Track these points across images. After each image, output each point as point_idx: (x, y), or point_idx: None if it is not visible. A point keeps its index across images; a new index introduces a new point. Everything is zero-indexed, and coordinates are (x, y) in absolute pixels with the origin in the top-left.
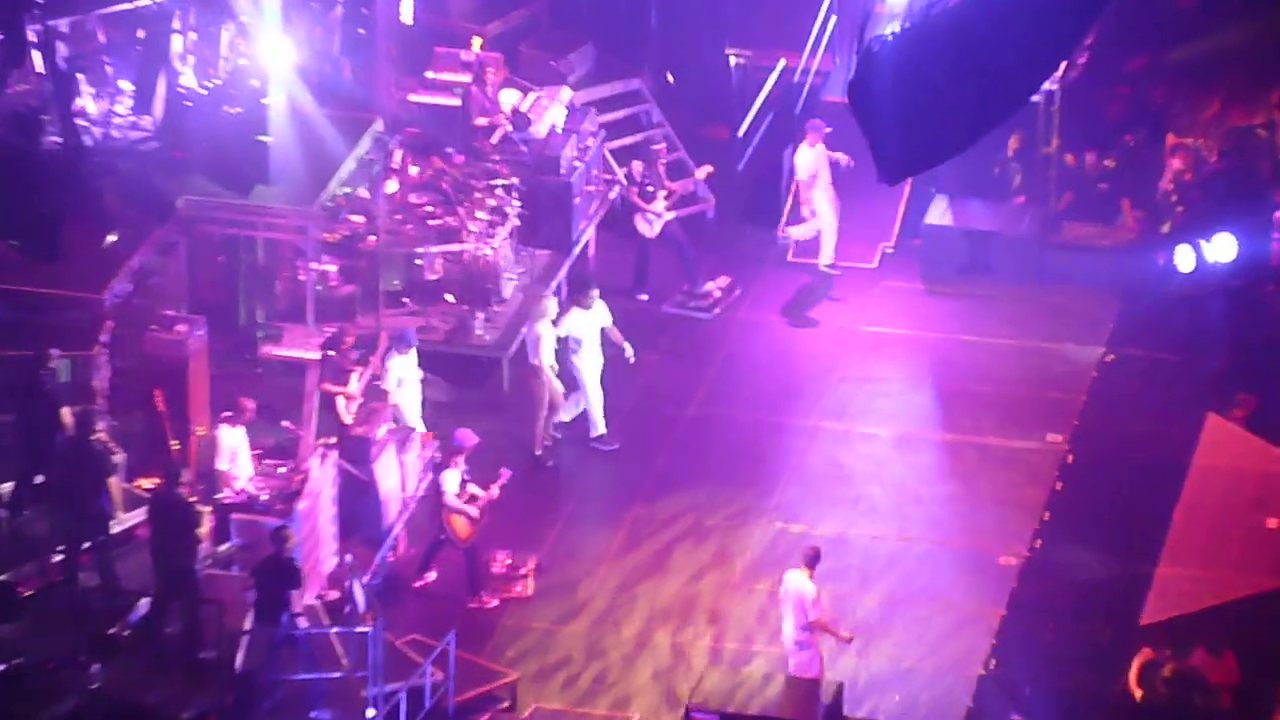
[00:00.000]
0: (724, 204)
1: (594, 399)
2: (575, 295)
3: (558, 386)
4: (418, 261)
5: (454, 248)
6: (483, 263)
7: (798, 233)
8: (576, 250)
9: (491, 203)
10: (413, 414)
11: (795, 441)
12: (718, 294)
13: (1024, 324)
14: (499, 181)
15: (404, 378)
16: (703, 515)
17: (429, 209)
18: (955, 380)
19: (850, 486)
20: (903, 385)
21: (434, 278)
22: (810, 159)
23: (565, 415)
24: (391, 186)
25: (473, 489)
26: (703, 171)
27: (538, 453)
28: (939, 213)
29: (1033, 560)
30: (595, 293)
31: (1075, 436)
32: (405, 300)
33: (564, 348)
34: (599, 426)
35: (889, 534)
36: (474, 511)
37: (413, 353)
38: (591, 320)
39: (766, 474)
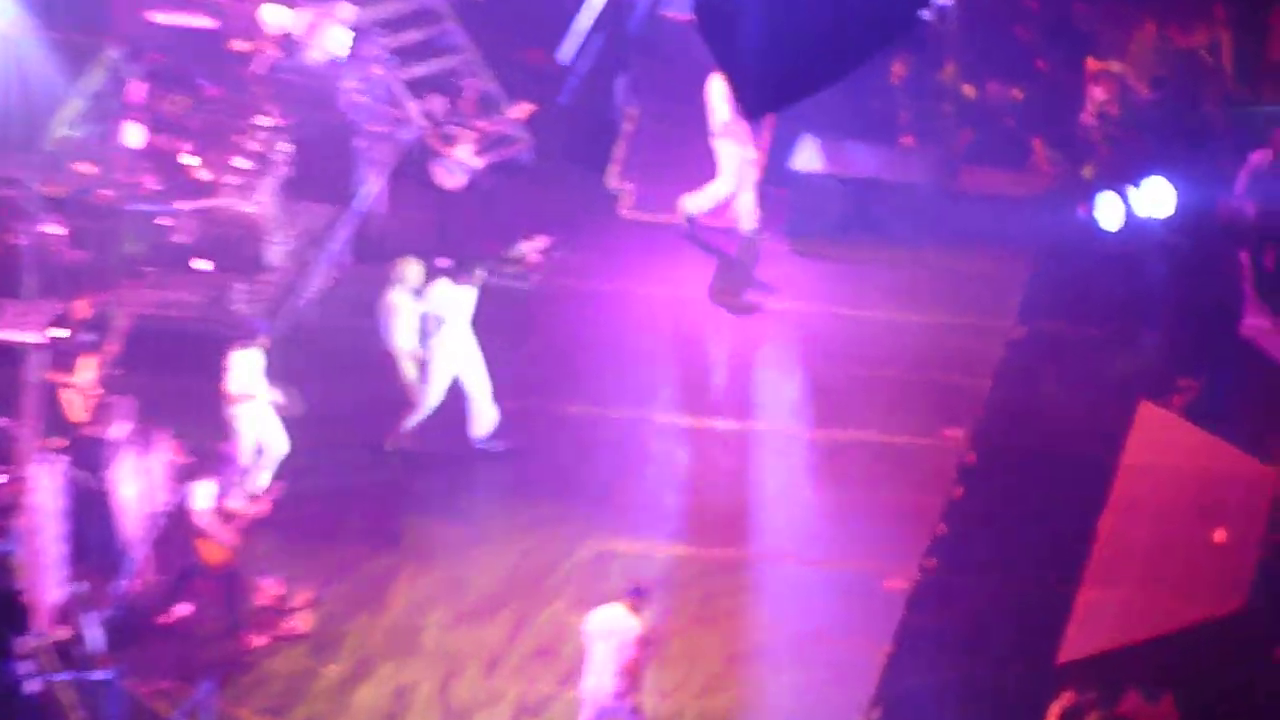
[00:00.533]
0: (544, 146)
1: (431, 398)
2: (451, 267)
3: (413, 375)
4: (162, 221)
5: (208, 203)
6: (243, 221)
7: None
8: (361, 205)
9: (254, 147)
10: (268, 425)
11: (630, 440)
12: (536, 257)
13: (913, 293)
14: (263, 121)
15: (249, 378)
16: (514, 532)
17: (176, 156)
18: (829, 363)
19: (696, 495)
20: (765, 370)
21: (183, 241)
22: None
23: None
24: (131, 131)
25: (233, 504)
26: (519, 109)
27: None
28: (808, 156)
29: (925, 584)
30: (480, 271)
31: (978, 431)
32: (147, 269)
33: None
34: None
35: (745, 554)
36: (228, 534)
37: (258, 347)
38: (462, 299)
39: (593, 480)
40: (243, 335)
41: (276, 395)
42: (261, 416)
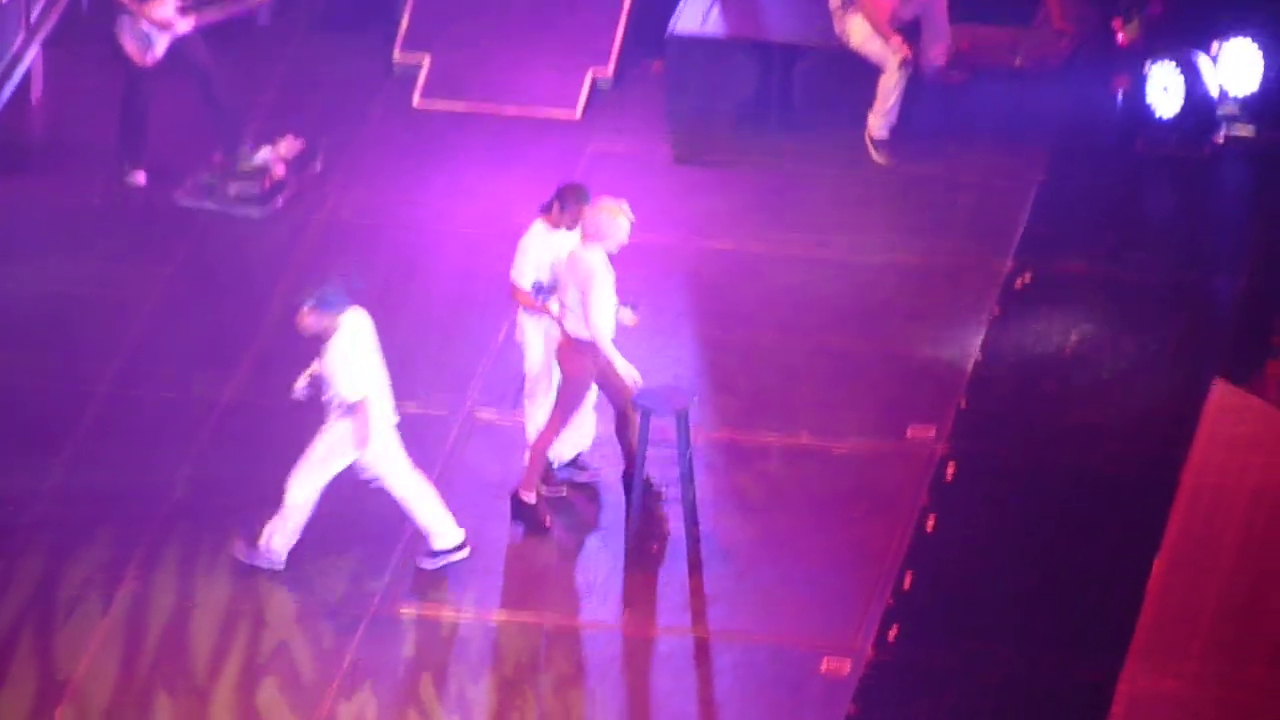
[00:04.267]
0: (290, 2)
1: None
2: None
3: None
4: None
5: None
6: None
7: None
8: (6, 91)
9: None
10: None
11: (434, 439)
12: (279, 170)
13: (859, 220)
14: None
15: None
16: (265, 598)
17: None
18: (734, 328)
19: (556, 535)
20: (638, 339)
21: None
22: None
23: (575, 444)
24: None
25: None
26: None
27: (528, 499)
28: (699, 10)
29: (880, 665)
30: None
31: (958, 430)
32: None
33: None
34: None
35: (641, 620)
36: None
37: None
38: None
39: (385, 514)
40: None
41: None
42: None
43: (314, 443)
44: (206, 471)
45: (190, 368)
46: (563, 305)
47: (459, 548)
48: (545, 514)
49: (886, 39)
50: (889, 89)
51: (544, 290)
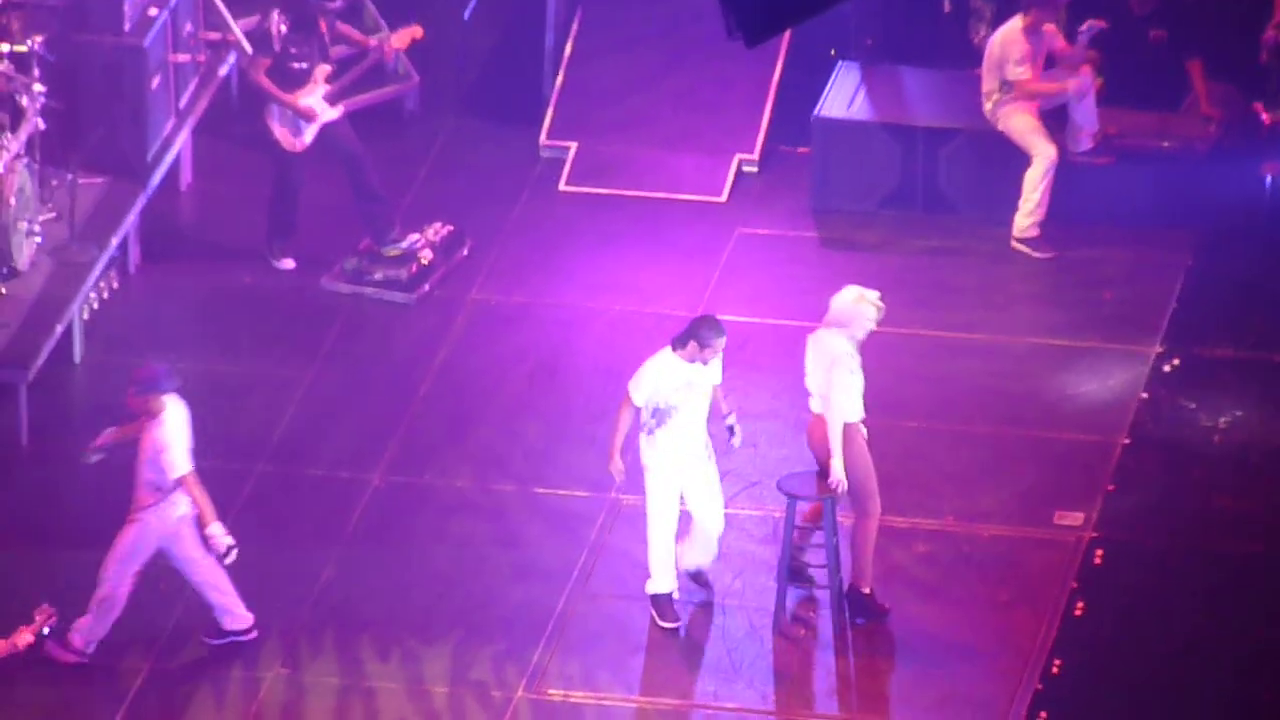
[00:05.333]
0: (438, 88)
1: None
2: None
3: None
4: None
5: None
6: None
7: None
8: (157, 176)
9: None
10: None
11: (581, 523)
12: (428, 255)
13: (1009, 303)
14: (3, 46)
15: None
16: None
17: None
18: (879, 412)
19: (705, 619)
20: (781, 426)
21: None
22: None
23: (695, 555)
24: None
25: None
26: (402, 35)
27: (865, 591)
28: (845, 95)
29: None
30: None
31: (1106, 514)
32: None
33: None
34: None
35: (790, 706)
36: None
37: None
38: (693, 377)
39: (495, 616)
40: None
41: None
42: None
43: (123, 533)
44: (356, 555)
45: (339, 452)
46: (810, 392)
47: (248, 630)
48: (883, 603)
49: (1038, 133)
50: (1035, 183)
51: (659, 414)
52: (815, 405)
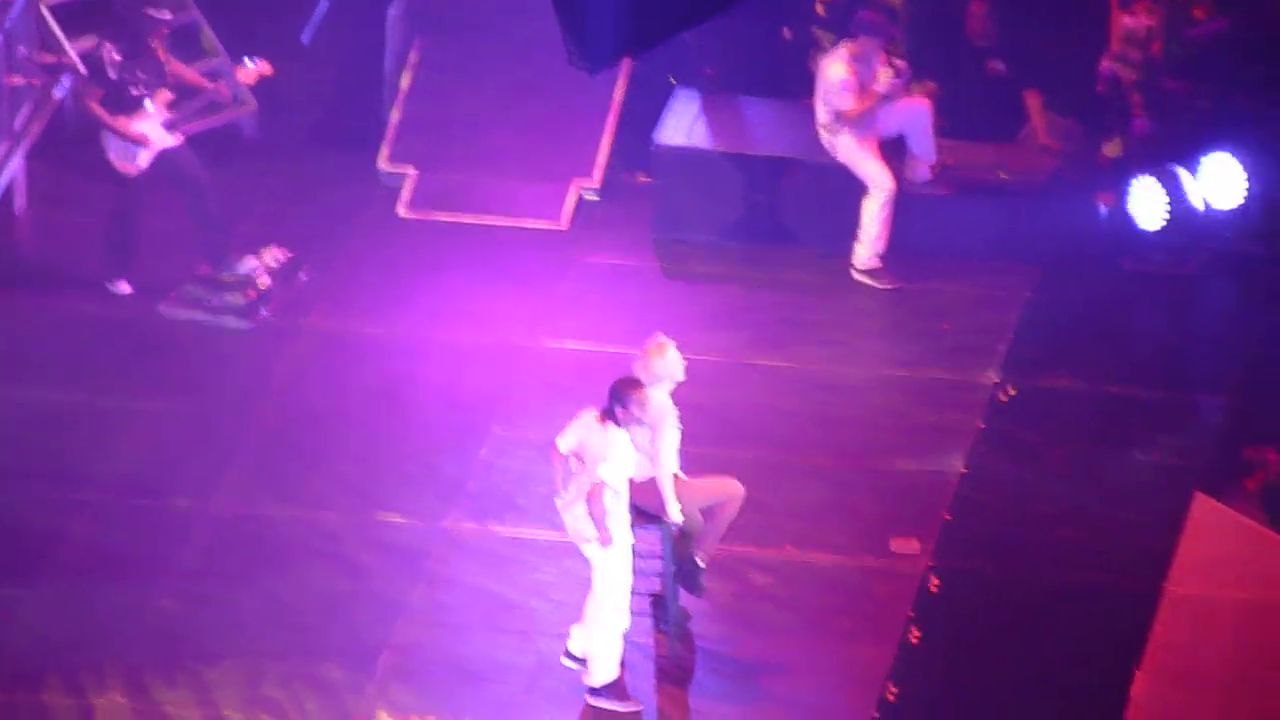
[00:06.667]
0: (276, 112)
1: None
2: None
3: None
4: None
5: None
6: None
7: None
8: None
9: None
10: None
11: (418, 552)
12: (265, 281)
13: (844, 334)
14: None
15: None
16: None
17: None
18: (716, 443)
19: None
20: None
21: None
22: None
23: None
24: None
25: None
26: (248, 73)
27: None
28: (684, 122)
29: None
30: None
31: (943, 542)
32: None
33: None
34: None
35: None
36: None
37: None
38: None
39: (332, 645)
40: None
41: None
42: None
43: None
44: (194, 586)
45: (176, 478)
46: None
47: None
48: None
49: (874, 160)
50: (873, 215)
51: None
52: (644, 467)
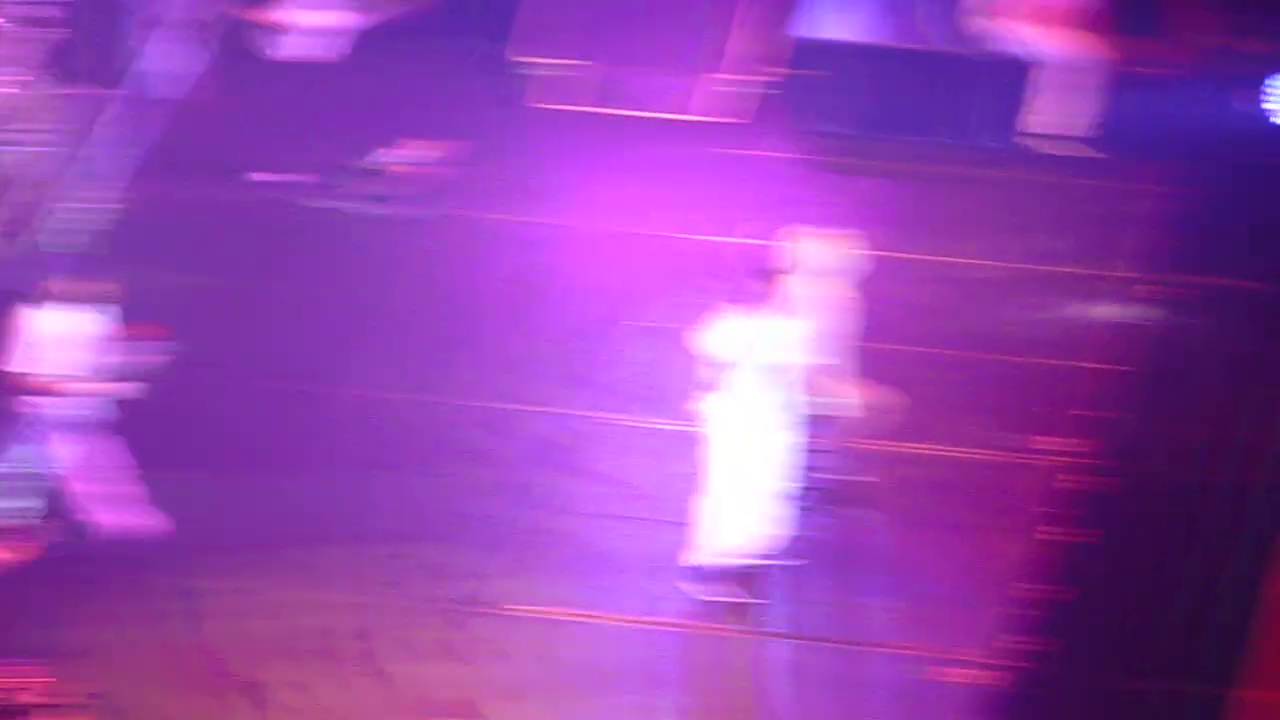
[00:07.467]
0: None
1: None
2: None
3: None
4: None
5: None
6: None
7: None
8: (141, 90)
9: None
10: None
11: (552, 436)
12: (402, 170)
13: (986, 227)
14: None
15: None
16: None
17: None
18: (860, 338)
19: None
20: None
21: None
22: None
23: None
24: None
25: None
26: None
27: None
28: (824, 14)
29: (997, 671)
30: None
31: (1079, 438)
32: None
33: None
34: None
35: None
36: None
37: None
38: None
39: (465, 531)
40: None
41: None
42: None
43: None
44: (323, 470)
45: (312, 362)
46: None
47: None
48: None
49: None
50: (1044, 85)
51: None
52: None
